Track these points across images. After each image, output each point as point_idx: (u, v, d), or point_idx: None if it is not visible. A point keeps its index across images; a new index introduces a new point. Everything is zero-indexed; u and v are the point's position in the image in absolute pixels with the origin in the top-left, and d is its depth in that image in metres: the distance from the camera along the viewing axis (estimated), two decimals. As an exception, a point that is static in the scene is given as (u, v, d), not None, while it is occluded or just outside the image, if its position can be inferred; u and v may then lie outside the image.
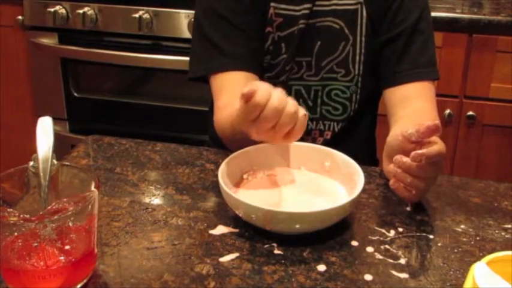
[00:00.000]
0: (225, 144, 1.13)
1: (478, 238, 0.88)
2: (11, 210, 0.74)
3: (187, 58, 1.22)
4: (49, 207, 0.73)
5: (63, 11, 2.09)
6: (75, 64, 2.21)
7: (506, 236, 0.89)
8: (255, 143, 0.96)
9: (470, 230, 0.90)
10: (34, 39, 2.17)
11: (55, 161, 0.77)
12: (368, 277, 0.80)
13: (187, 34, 1.99)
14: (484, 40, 1.86)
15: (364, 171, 0.93)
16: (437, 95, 1.18)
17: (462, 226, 0.91)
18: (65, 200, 0.74)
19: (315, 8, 1.15)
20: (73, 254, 0.74)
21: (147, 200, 0.97)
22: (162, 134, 2.08)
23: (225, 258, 0.82)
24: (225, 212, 0.92)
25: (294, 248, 0.85)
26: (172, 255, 0.83)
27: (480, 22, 1.85)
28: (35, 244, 0.72)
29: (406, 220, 0.92)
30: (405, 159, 0.86)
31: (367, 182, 0.91)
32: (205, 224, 0.90)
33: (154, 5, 2.03)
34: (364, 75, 1.20)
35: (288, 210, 0.89)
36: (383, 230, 0.90)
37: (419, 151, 0.85)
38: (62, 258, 0.73)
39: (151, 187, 1.00)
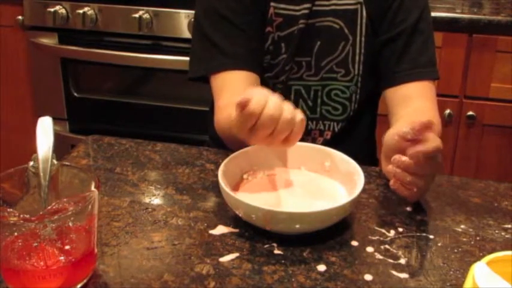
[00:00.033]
0: (225, 144, 1.13)
1: (478, 238, 0.88)
2: (11, 210, 0.74)
3: (187, 58, 1.22)
4: (49, 207, 0.73)
5: (63, 11, 2.09)
6: (75, 64, 2.21)
7: (506, 236, 0.89)
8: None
9: (470, 230, 0.90)
10: (34, 39, 2.17)
11: (55, 161, 0.77)
12: (368, 277, 0.80)
13: (187, 34, 1.99)
14: (484, 40, 1.86)
15: (364, 171, 0.93)
16: (437, 95, 1.18)
17: (462, 226, 0.91)
18: (65, 200, 0.74)
19: (314, 8, 1.15)
20: (73, 254, 0.74)
21: (147, 200, 0.97)
22: (162, 134, 2.08)
23: (225, 258, 0.82)
24: (225, 212, 0.92)
25: (294, 248, 0.85)
26: (172, 255, 0.83)
27: (480, 22, 1.85)
28: (35, 244, 0.72)
29: (406, 220, 0.92)
30: (404, 158, 0.86)
31: (367, 182, 0.91)
32: (205, 224, 0.90)
33: (154, 5, 2.03)
34: (364, 75, 1.20)
35: (288, 210, 0.89)
36: (383, 230, 0.90)
37: (416, 148, 0.85)
38: (62, 258, 0.73)
39: (151, 187, 1.00)
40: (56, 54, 2.18)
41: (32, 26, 2.16)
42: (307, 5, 1.15)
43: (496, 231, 0.90)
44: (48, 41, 2.17)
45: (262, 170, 1.00)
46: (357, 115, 1.24)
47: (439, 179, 1.04)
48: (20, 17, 2.16)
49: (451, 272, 0.81)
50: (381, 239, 0.88)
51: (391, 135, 0.92)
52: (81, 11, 2.07)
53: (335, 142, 1.19)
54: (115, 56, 2.11)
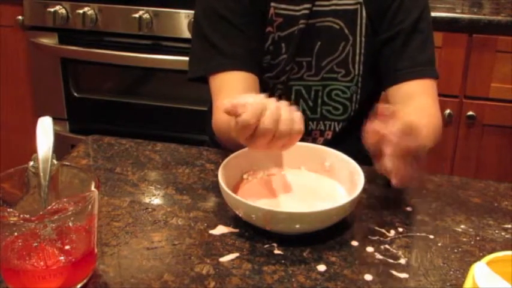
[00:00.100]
0: (222, 145, 1.13)
1: (478, 238, 0.88)
2: (11, 210, 0.74)
3: (187, 58, 1.22)
4: (49, 207, 0.73)
5: (63, 11, 2.09)
6: (75, 64, 2.21)
7: (506, 236, 0.89)
8: None
9: (470, 230, 0.90)
10: (34, 39, 2.17)
11: (55, 161, 0.77)
12: (368, 277, 0.80)
13: (187, 34, 1.99)
14: (484, 40, 1.86)
15: (364, 171, 0.92)
16: (438, 95, 1.18)
17: (462, 226, 0.91)
18: (65, 200, 0.74)
19: (314, 8, 1.15)
20: (73, 254, 0.74)
21: (147, 200, 0.97)
22: (162, 134, 2.08)
23: (225, 258, 0.82)
24: (225, 212, 0.92)
25: (294, 248, 0.85)
26: (172, 255, 0.83)
27: (480, 22, 1.85)
28: (35, 244, 0.72)
29: (406, 220, 0.92)
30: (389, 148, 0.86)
31: (367, 182, 0.91)
32: (205, 224, 0.90)
33: (154, 5, 2.03)
34: (364, 75, 1.20)
35: (288, 210, 0.89)
36: (383, 230, 0.90)
37: (392, 130, 0.85)
38: (62, 258, 0.73)
39: (151, 187, 1.00)
40: (56, 54, 2.18)
41: (32, 26, 2.16)
42: (308, 5, 1.15)
43: (496, 231, 0.90)
44: (48, 41, 2.16)
45: (262, 170, 1.00)
46: (357, 115, 1.24)
47: (439, 179, 1.04)
48: (20, 17, 2.16)
49: (451, 272, 0.81)
50: (381, 239, 0.88)
51: (366, 137, 0.90)
52: (81, 11, 2.07)
53: (335, 142, 1.19)
54: (115, 56, 2.11)
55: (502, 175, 1.95)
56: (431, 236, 0.89)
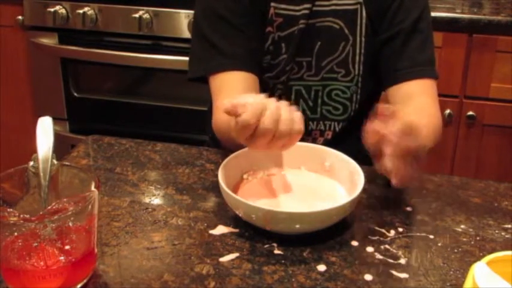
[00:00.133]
0: (222, 144, 1.13)
1: (478, 238, 0.88)
2: (11, 210, 0.74)
3: (187, 58, 1.22)
4: (49, 207, 0.73)
5: (63, 11, 2.09)
6: (75, 64, 2.21)
7: (506, 236, 0.89)
8: None
9: (470, 230, 0.90)
10: (34, 39, 2.17)
11: (55, 161, 0.77)
12: (368, 277, 0.80)
13: (187, 34, 1.99)
14: (484, 40, 1.86)
15: (364, 171, 0.92)
16: (438, 95, 1.18)
17: (462, 226, 0.91)
18: (65, 200, 0.74)
19: (314, 8, 1.15)
20: (73, 254, 0.74)
21: (147, 200, 0.97)
22: (162, 134, 2.08)
23: (225, 258, 0.82)
24: (225, 212, 0.92)
25: (294, 248, 0.85)
26: (172, 255, 0.83)
27: (480, 22, 1.85)
28: (35, 244, 0.72)
29: (406, 220, 0.92)
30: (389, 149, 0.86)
31: (367, 182, 0.91)
32: (205, 224, 0.90)
33: (154, 5, 2.03)
34: (364, 76, 1.20)
35: (288, 210, 0.89)
36: (383, 230, 0.90)
37: (392, 130, 0.85)
38: (62, 258, 0.73)
39: (151, 187, 1.00)
40: (56, 54, 2.18)
41: (32, 26, 2.16)
42: (308, 5, 1.15)
43: (496, 231, 0.90)
44: (48, 41, 2.16)
45: (262, 170, 1.00)
46: (357, 115, 1.24)
47: (439, 179, 1.04)
48: (20, 17, 2.16)
49: (451, 272, 0.81)
50: (381, 239, 0.88)
51: (365, 137, 0.90)
52: (81, 11, 2.07)
53: (336, 142, 1.19)
54: (115, 56, 2.11)
55: (502, 175, 1.95)
56: (431, 236, 0.89)
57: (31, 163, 0.78)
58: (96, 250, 0.78)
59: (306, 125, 1.19)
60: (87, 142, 1.16)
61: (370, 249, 0.85)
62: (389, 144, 0.85)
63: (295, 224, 0.86)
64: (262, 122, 0.82)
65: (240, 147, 0.97)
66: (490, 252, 0.74)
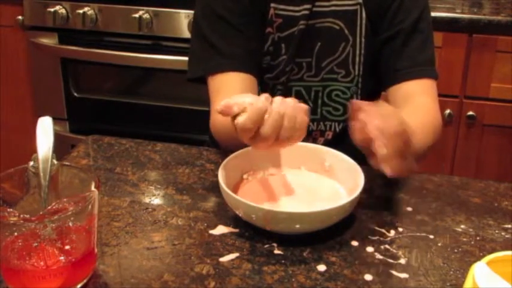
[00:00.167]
0: (221, 146, 1.13)
1: (478, 238, 0.88)
2: (11, 210, 0.74)
3: (187, 58, 1.22)
4: (49, 207, 0.73)
5: (63, 11, 2.09)
6: (75, 64, 2.21)
7: (506, 236, 0.89)
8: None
9: (470, 230, 0.90)
10: (34, 39, 2.17)
11: (55, 161, 0.77)
12: (368, 277, 0.80)
13: (187, 34, 1.99)
14: (484, 40, 1.86)
15: (364, 171, 0.92)
16: (438, 95, 1.18)
17: (462, 226, 0.91)
18: (65, 200, 0.74)
19: (314, 9, 1.15)
20: (73, 254, 0.74)
21: (147, 200, 0.97)
22: (162, 134, 2.08)
23: (225, 258, 0.82)
24: (225, 212, 0.92)
25: (294, 248, 0.85)
26: (172, 255, 0.83)
27: (480, 22, 1.85)
28: (35, 244, 0.72)
29: (406, 220, 0.92)
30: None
31: (367, 182, 0.91)
32: (205, 224, 0.90)
33: (154, 5, 2.03)
34: (364, 76, 1.20)
35: (288, 210, 0.89)
36: (383, 230, 0.90)
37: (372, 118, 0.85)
38: (62, 258, 0.73)
39: (151, 187, 1.00)
40: (56, 54, 2.18)
41: (32, 26, 2.16)
42: (307, 6, 1.14)
43: (496, 231, 0.90)
44: (48, 41, 2.17)
45: (262, 170, 1.00)
46: (357, 115, 1.24)
47: (439, 179, 1.04)
48: (20, 17, 2.16)
49: (451, 272, 0.81)
50: (381, 239, 0.88)
51: (352, 134, 0.90)
52: (81, 11, 2.07)
53: (336, 142, 1.19)
54: (115, 56, 2.11)
55: (502, 175, 1.95)
56: (431, 236, 0.89)
57: (31, 163, 0.78)
58: (96, 250, 0.78)
59: (307, 126, 1.20)
60: (87, 142, 1.16)
61: (370, 249, 0.85)
62: (373, 129, 0.84)
63: (295, 224, 0.86)
64: (262, 128, 0.82)
65: (239, 147, 0.97)
66: (490, 252, 0.74)
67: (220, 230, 0.89)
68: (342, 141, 1.21)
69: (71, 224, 0.73)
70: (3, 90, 2.29)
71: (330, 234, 0.87)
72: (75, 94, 2.24)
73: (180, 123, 2.17)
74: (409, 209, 0.95)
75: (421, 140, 1.03)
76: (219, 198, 0.93)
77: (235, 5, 1.13)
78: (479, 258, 0.70)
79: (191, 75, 1.19)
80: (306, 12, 1.15)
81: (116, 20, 2.08)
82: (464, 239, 0.88)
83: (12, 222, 0.72)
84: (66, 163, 0.93)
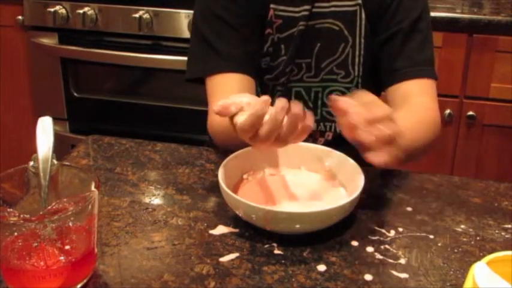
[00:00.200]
0: (220, 147, 1.13)
1: (478, 238, 0.88)
2: (11, 210, 0.74)
3: (187, 58, 1.22)
4: (49, 207, 0.73)
5: (63, 11, 2.09)
6: (75, 64, 2.21)
7: (506, 236, 0.89)
8: (248, 145, 0.96)
9: (470, 230, 0.90)
10: (34, 39, 2.17)
11: (55, 161, 0.77)
12: (368, 277, 0.80)
13: (187, 34, 1.99)
14: (484, 40, 1.86)
15: (364, 171, 0.92)
16: (438, 95, 1.18)
17: (462, 226, 0.91)
18: (65, 200, 0.74)
19: (314, 10, 1.15)
20: (73, 254, 0.74)
21: (147, 200, 0.97)
22: (162, 134, 2.08)
23: (225, 258, 0.82)
24: (225, 212, 0.92)
25: (294, 248, 0.85)
26: (172, 255, 0.83)
27: (480, 22, 1.85)
28: (35, 244, 0.72)
29: (406, 220, 0.92)
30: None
31: (367, 182, 0.91)
32: (205, 224, 0.90)
33: (155, 5, 2.04)
34: (364, 77, 1.20)
35: (288, 210, 0.89)
36: (383, 230, 0.90)
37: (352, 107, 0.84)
38: (62, 258, 0.73)
39: (151, 187, 1.00)
40: (56, 54, 2.19)
41: (32, 26, 2.16)
42: (307, 7, 1.14)
43: (496, 231, 0.90)
44: (48, 41, 2.17)
45: (262, 170, 1.00)
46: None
47: (439, 179, 1.04)
48: (20, 17, 2.16)
49: (451, 272, 0.81)
50: (381, 239, 0.88)
51: (340, 127, 0.89)
52: (81, 11, 2.07)
53: (336, 143, 1.18)
54: (115, 56, 2.11)
55: (502, 175, 1.96)
56: (431, 236, 0.89)
57: (31, 163, 0.78)
58: (96, 250, 0.78)
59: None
60: (87, 142, 1.16)
61: (370, 249, 0.85)
62: (356, 118, 0.83)
63: (295, 224, 0.86)
64: (261, 130, 0.82)
65: (238, 147, 0.97)
66: (490, 252, 0.74)
67: (220, 230, 0.89)
68: (342, 142, 1.21)
69: (71, 224, 0.73)
70: (3, 90, 2.29)
71: (330, 234, 0.87)
72: (75, 94, 2.24)
73: (180, 123, 2.17)
74: (409, 209, 0.95)
75: (417, 137, 1.03)
76: (219, 198, 0.93)
77: (234, 5, 1.13)
78: (479, 258, 0.70)
79: (189, 75, 1.19)
80: (306, 13, 1.15)
81: (116, 20, 2.08)
82: (464, 239, 0.88)
83: (12, 222, 0.72)
84: (66, 163, 0.93)
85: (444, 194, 1.00)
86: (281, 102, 0.83)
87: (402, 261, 0.83)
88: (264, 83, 1.21)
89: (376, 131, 0.83)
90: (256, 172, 0.99)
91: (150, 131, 2.19)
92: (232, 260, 0.82)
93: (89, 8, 2.08)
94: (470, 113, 1.93)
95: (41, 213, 0.72)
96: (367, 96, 0.87)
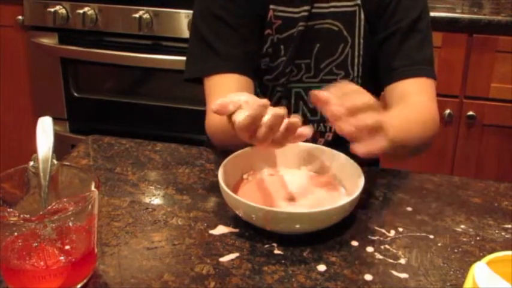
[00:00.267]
0: (218, 147, 1.13)
1: (478, 238, 0.88)
2: (11, 210, 0.74)
3: (185, 58, 1.22)
4: (49, 207, 0.73)
5: (63, 11, 2.09)
6: (75, 64, 2.21)
7: (506, 236, 0.89)
8: (246, 145, 0.96)
9: (470, 230, 0.90)
10: (34, 39, 2.17)
11: (55, 161, 0.77)
12: (368, 277, 0.80)
13: (187, 34, 1.99)
14: (484, 40, 1.86)
15: (364, 172, 0.92)
16: (437, 95, 1.17)
17: (462, 226, 0.91)
18: (65, 200, 0.74)
19: (313, 10, 1.15)
20: (73, 254, 0.74)
21: (147, 200, 0.97)
22: (162, 134, 2.08)
23: (225, 258, 0.82)
24: (225, 212, 0.92)
25: (294, 248, 0.85)
26: (172, 255, 0.83)
27: (480, 22, 1.85)
28: (35, 244, 0.72)
29: (406, 220, 0.92)
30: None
31: (367, 182, 0.91)
32: (205, 224, 0.90)
33: (155, 5, 2.04)
34: (364, 77, 1.20)
35: (288, 210, 0.89)
36: (383, 230, 0.90)
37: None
38: (62, 258, 0.73)
39: (151, 187, 1.00)
40: (56, 54, 2.19)
41: (32, 26, 2.16)
42: (307, 7, 1.14)
43: (496, 231, 0.90)
44: (48, 41, 2.17)
45: (262, 170, 1.00)
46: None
47: (439, 179, 1.04)
48: (20, 17, 2.16)
49: (451, 272, 0.81)
50: (381, 239, 0.88)
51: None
52: (81, 11, 2.07)
53: (336, 143, 1.18)
54: (115, 56, 2.11)
55: (502, 175, 1.96)
56: (431, 236, 0.89)
57: (31, 163, 0.78)
58: (96, 250, 0.78)
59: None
60: (87, 142, 1.16)
61: (370, 249, 0.85)
62: (337, 107, 0.83)
63: (295, 224, 0.86)
64: (259, 132, 0.82)
65: (238, 147, 0.97)
66: (490, 252, 0.74)
67: (220, 230, 0.89)
68: (342, 142, 1.21)
69: (71, 224, 0.73)
70: (3, 90, 2.30)
71: (330, 234, 0.87)
72: (75, 94, 2.24)
73: (180, 123, 2.17)
74: (409, 209, 0.95)
75: (410, 132, 1.03)
76: (219, 198, 0.93)
77: (233, 5, 1.13)
78: (479, 258, 0.70)
79: (188, 75, 1.19)
80: (305, 13, 1.15)
81: (116, 20, 2.08)
82: (464, 239, 0.88)
83: (12, 222, 0.72)
84: (66, 163, 0.93)
85: (444, 194, 1.00)
86: (280, 109, 0.83)
87: (402, 261, 0.83)
88: (264, 83, 1.20)
89: (356, 121, 0.83)
90: (256, 172, 0.99)
91: (150, 131, 2.19)
92: (232, 260, 0.82)
93: (89, 8, 2.08)
94: (470, 113, 1.93)
95: (41, 213, 0.72)
96: (348, 86, 0.87)
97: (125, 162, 1.08)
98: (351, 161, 0.96)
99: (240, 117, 0.81)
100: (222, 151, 1.09)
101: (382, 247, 0.86)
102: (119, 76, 2.25)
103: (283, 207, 0.91)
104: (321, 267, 0.81)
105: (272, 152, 1.00)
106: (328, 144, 1.18)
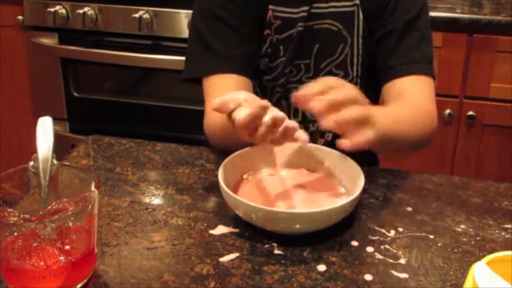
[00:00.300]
0: (216, 147, 1.13)
1: (478, 238, 0.88)
2: (11, 210, 0.74)
3: (185, 58, 1.22)
4: (49, 207, 0.73)
5: (63, 11, 2.09)
6: (75, 64, 2.21)
7: (506, 236, 0.89)
8: (245, 145, 0.96)
9: (470, 230, 0.90)
10: (34, 39, 2.17)
11: (55, 161, 0.77)
12: (368, 277, 0.80)
13: (187, 34, 1.97)
14: (484, 40, 1.86)
15: (364, 171, 0.92)
16: (437, 95, 1.17)
17: (462, 226, 0.91)
18: (65, 200, 0.74)
19: (312, 11, 1.15)
20: (73, 254, 0.74)
21: (147, 200, 0.97)
22: (162, 134, 2.08)
23: (225, 258, 0.82)
24: (225, 212, 0.92)
25: (294, 248, 0.85)
26: (172, 255, 0.83)
27: (480, 22, 1.85)
28: (35, 244, 0.72)
29: (406, 220, 0.92)
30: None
31: (367, 182, 0.91)
32: (205, 224, 0.90)
33: (155, 5, 2.04)
34: (363, 77, 1.20)
35: (288, 210, 0.89)
36: (383, 230, 0.90)
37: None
38: (62, 258, 0.73)
39: (151, 187, 1.00)
40: (56, 54, 2.19)
41: (32, 26, 2.16)
42: (306, 8, 1.14)
43: (496, 231, 0.90)
44: (48, 41, 2.17)
45: (262, 170, 1.00)
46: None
47: (439, 179, 1.04)
48: (20, 17, 2.16)
49: (451, 272, 0.81)
50: (381, 239, 0.88)
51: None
52: (81, 11, 2.07)
53: (336, 143, 1.18)
54: (115, 56, 2.11)
55: (502, 175, 1.96)
56: (431, 236, 0.89)
57: (31, 163, 0.78)
58: (96, 250, 0.79)
59: (307, 128, 1.20)
60: (87, 142, 1.16)
61: (370, 249, 0.85)
62: (316, 105, 0.84)
63: (295, 224, 0.86)
64: (259, 131, 0.82)
65: (237, 147, 0.97)
66: (490, 252, 0.74)
67: (220, 230, 0.89)
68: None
69: (71, 224, 0.73)
70: (3, 90, 2.30)
71: (330, 234, 0.87)
72: (75, 94, 2.24)
73: (180, 123, 2.17)
74: (409, 209, 0.95)
75: (404, 128, 1.03)
76: (219, 198, 0.93)
77: (232, 5, 1.13)
78: (479, 258, 0.70)
79: (186, 75, 1.19)
80: (304, 14, 1.15)
81: (116, 20, 2.08)
82: (464, 239, 0.88)
83: (12, 222, 0.72)
84: (66, 163, 0.93)
85: (444, 194, 1.00)
86: (280, 113, 0.84)
87: (402, 261, 0.83)
88: (263, 84, 1.20)
89: (336, 116, 0.83)
90: (256, 172, 0.99)
91: (150, 131, 2.19)
92: (232, 260, 0.82)
93: (89, 8, 2.08)
94: (470, 113, 1.93)
95: (41, 213, 0.72)
96: (331, 80, 0.88)
97: (125, 162, 1.08)
98: (351, 161, 0.96)
99: (240, 115, 0.81)
100: (222, 151, 1.09)
101: (382, 247, 0.86)
102: (119, 76, 2.25)
103: (283, 207, 0.91)
104: (321, 267, 0.81)
105: (272, 152, 1.00)
106: (328, 144, 1.18)
